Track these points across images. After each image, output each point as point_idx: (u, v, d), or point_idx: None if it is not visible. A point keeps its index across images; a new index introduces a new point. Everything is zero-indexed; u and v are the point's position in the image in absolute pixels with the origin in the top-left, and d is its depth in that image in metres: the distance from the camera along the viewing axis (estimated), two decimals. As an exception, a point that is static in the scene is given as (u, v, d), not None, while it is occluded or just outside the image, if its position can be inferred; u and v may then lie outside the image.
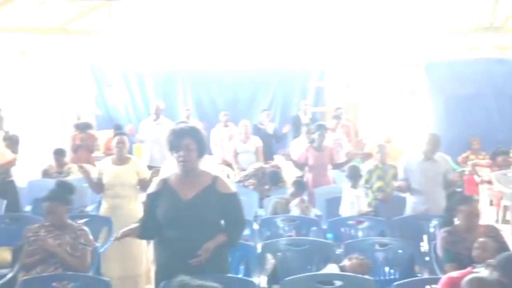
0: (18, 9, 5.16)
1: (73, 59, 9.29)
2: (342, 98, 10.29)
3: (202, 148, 2.98)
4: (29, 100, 8.35)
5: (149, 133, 7.51)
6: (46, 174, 7.05)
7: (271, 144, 8.16)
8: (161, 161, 6.08)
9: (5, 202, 5.32)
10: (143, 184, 4.77)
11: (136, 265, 4.77)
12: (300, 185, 5.30)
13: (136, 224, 3.10)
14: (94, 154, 8.10)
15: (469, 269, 2.88)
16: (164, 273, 2.95)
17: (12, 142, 5.79)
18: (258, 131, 8.13)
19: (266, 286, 3.45)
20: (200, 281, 1.73)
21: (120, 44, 9.16)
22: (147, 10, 8.06)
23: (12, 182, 5.76)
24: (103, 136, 9.19)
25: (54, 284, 3.07)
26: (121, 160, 4.84)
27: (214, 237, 2.88)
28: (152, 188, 3.06)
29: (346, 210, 5.13)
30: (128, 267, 4.69)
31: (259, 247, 4.02)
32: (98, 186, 4.83)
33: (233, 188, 3.09)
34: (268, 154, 7.69)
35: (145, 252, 4.94)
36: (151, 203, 3.01)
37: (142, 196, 5.29)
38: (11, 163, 5.68)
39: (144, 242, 4.87)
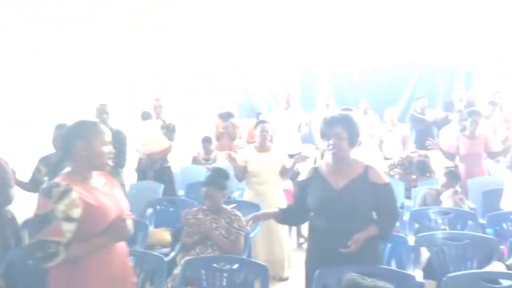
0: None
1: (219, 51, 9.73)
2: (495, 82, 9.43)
3: (354, 136, 2.91)
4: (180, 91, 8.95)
5: (279, 122, 7.61)
6: (195, 160, 7.52)
7: (432, 132, 7.67)
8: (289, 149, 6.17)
9: (162, 186, 5.75)
10: (283, 171, 4.89)
11: (282, 250, 4.90)
12: (453, 176, 4.98)
13: (276, 209, 3.17)
14: (236, 142, 8.42)
15: None
16: (314, 260, 2.97)
17: (168, 131, 6.22)
18: (415, 120, 7.76)
19: (422, 281, 3.29)
20: (372, 281, 1.67)
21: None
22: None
23: (169, 168, 6.23)
24: (245, 125, 9.53)
25: (214, 265, 3.22)
26: (264, 147, 4.99)
27: (364, 227, 2.82)
28: (303, 176, 3.08)
29: (509, 203, 4.71)
30: (274, 251, 4.83)
31: (410, 240, 3.85)
32: (242, 173, 5.02)
33: (386, 178, 2.99)
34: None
35: (287, 238, 5.05)
36: (301, 191, 3.04)
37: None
38: (168, 150, 6.14)
39: (287, 228, 4.99)
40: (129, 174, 6.16)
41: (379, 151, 6.98)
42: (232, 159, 5.04)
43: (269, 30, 6.83)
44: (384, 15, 7.50)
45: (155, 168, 6.19)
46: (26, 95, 4.47)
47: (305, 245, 5.73)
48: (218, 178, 3.94)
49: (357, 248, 2.75)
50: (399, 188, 5.56)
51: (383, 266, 2.98)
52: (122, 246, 2.50)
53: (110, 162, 2.44)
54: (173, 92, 7.15)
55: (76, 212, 2.25)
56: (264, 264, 3.16)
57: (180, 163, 7.21)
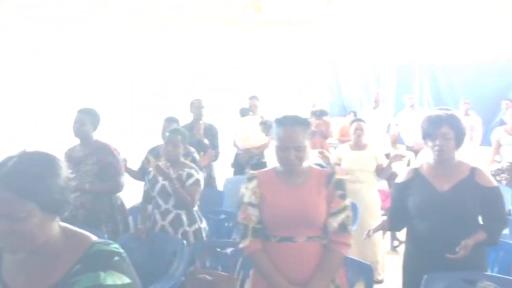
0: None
1: (313, 49, 9.69)
2: None
3: (461, 137, 2.79)
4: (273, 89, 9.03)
5: (368, 121, 7.41)
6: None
7: None
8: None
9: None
10: (379, 171, 4.80)
11: (375, 252, 4.80)
12: None
13: (384, 218, 3.09)
14: (328, 141, 8.36)
15: None
16: (414, 265, 2.87)
17: (266, 127, 6.31)
18: None
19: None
20: None
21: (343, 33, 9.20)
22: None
23: (265, 163, 6.29)
24: (336, 123, 9.44)
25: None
26: (359, 146, 4.93)
27: (469, 232, 2.68)
28: (402, 177, 2.98)
29: None
30: (367, 253, 4.73)
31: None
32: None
33: (494, 181, 2.83)
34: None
35: (381, 241, 4.94)
36: (400, 193, 2.93)
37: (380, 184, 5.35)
38: (265, 145, 6.23)
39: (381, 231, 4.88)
40: (225, 168, 6.33)
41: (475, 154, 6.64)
42: (324, 157, 5.01)
43: (364, 23, 6.64)
44: (489, 4, 7.05)
45: (252, 163, 6.31)
46: (26, 95, 4.53)
47: (399, 249, 5.61)
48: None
49: (465, 254, 2.62)
50: (506, 195, 5.23)
51: (493, 274, 2.81)
52: None
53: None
54: (201, 91, 7.14)
55: (255, 199, 2.40)
56: (368, 263, 3.10)
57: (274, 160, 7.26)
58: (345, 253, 2.43)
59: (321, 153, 5.12)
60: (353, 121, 5.26)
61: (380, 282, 4.77)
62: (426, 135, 2.83)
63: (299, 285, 2.36)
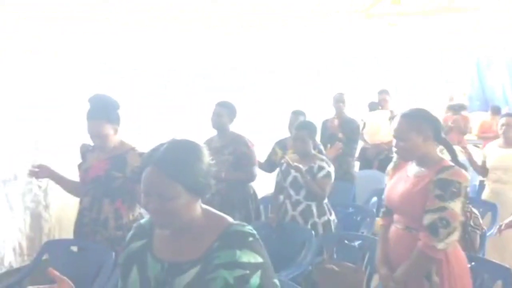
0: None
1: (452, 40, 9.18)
2: None
3: None
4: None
5: None
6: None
7: None
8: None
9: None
10: None
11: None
12: None
13: None
14: (467, 137, 7.89)
15: None
16: None
17: None
18: None
19: None
20: None
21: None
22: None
23: (392, 158, 6.18)
24: (476, 118, 8.87)
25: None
26: (508, 143, 4.60)
27: None
28: None
29: None
30: (506, 257, 4.41)
31: None
32: (481, 169, 4.72)
33: None
34: None
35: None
36: None
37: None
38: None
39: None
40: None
41: None
42: (467, 153, 4.78)
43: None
44: None
45: (380, 158, 6.21)
46: (26, 94, 4.56)
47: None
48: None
49: None
50: None
51: None
52: None
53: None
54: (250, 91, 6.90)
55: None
56: (508, 266, 2.92)
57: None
58: (431, 254, 2.28)
59: (464, 148, 4.90)
60: (502, 116, 4.93)
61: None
62: None
63: (391, 268, 2.44)
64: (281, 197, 3.91)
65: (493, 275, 2.89)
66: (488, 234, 4.02)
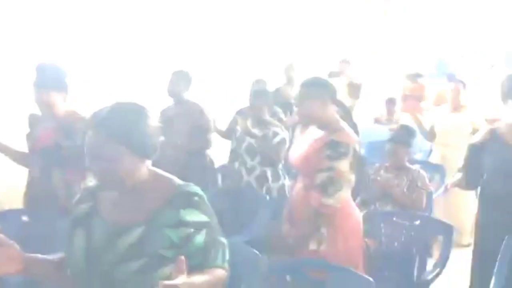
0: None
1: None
2: None
3: None
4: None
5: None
6: (377, 121, 7.46)
7: None
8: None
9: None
10: None
11: (463, 216, 4.69)
12: None
13: (460, 174, 3.03)
14: (423, 104, 8.08)
15: None
16: (488, 226, 2.81)
17: (353, 88, 6.31)
18: None
19: None
20: None
21: None
22: None
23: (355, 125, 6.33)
24: (434, 86, 9.07)
25: (395, 219, 3.24)
26: (456, 108, 4.81)
27: None
28: (477, 138, 2.90)
29: None
30: (452, 215, 4.63)
31: None
32: (429, 135, 4.93)
33: None
34: None
35: (470, 205, 4.79)
36: (476, 153, 2.86)
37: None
38: (351, 108, 6.24)
39: (471, 194, 4.73)
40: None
41: None
42: (417, 120, 4.95)
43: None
44: None
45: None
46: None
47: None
48: (404, 135, 3.89)
49: None
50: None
51: None
52: None
53: None
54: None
55: None
56: (450, 224, 3.08)
57: (362, 123, 7.21)
58: (322, 210, 2.45)
59: (413, 115, 5.07)
60: (449, 82, 5.15)
61: (466, 246, 4.66)
62: (506, 95, 2.75)
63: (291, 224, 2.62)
64: (236, 164, 3.98)
65: (436, 231, 3.06)
66: (435, 194, 4.21)
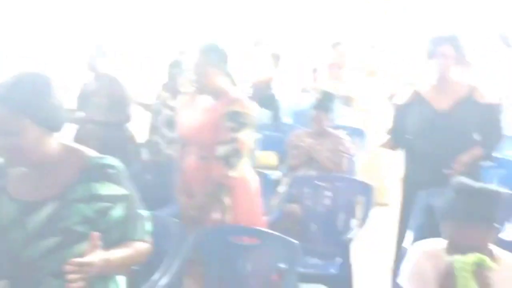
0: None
1: None
2: None
3: (461, 56, 2.80)
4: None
5: None
6: (304, 90, 7.58)
7: None
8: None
9: (269, 113, 5.93)
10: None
11: (383, 176, 4.93)
12: None
13: (388, 136, 3.15)
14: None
15: None
16: (413, 183, 2.95)
17: (274, 58, 6.35)
18: None
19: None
20: (481, 184, 1.67)
21: None
22: None
23: (273, 95, 6.39)
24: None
25: (317, 182, 3.32)
26: (371, 73, 5.00)
27: (467, 149, 2.75)
28: (402, 99, 3.01)
29: None
30: (376, 177, 4.83)
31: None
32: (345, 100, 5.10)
33: (493, 98, 2.85)
34: None
35: (391, 166, 5.02)
36: (401, 114, 2.98)
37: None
38: (271, 78, 6.29)
39: (391, 155, 4.95)
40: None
41: None
42: (336, 87, 5.10)
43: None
44: None
45: (261, 95, 6.35)
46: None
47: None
48: (324, 101, 3.96)
49: (461, 169, 2.69)
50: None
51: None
52: None
53: None
54: None
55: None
56: (369, 183, 3.20)
57: (288, 91, 7.33)
58: (225, 182, 2.47)
59: (332, 82, 5.20)
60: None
61: (385, 205, 4.88)
62: (428, 55, 2.84)
63: (190, 196, 2.55)
64: (155, 137, 3.91)
65: (357, 191, 3.17)
66: (355, 157, 4.36)
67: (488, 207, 1.64)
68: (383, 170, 4.95)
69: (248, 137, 2.45)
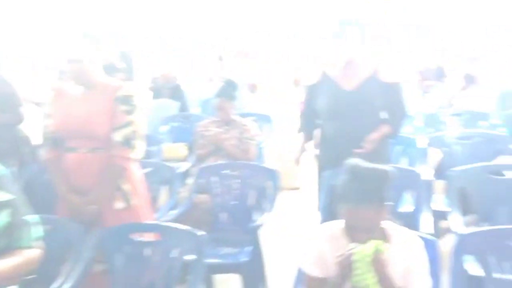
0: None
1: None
2: None
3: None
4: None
5: None
6: (211, 80, 7.55)
7: None
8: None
9: (178, 104, 5.82)
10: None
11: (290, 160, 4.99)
12: (469, 79, 4.92)
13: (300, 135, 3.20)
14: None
15: None
16: (326, 164, 3.00)
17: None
18: None
19: (432, 178, 3.34)
20: (372, 164, 1.72)
21: None
22: None
23: (179, 86, 6.29)
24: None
25: (225, 171, 3.30)
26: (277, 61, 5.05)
27: (375, 127, 2.84)
28: (311, 81, 3.07)
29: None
30: (285, 162, 4.91)
31: (422, 142, 3.87)
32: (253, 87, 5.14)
33: (396, 77, 2.98)
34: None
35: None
36: (311, 95, 3.04)
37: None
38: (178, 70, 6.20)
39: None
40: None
41: None
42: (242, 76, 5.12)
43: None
44: None
45: (169, 87, 6.24)
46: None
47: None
48: (228, 89, 3.95)
49: (371, 148, 2.78)
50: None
51: (393, 164, 3.00)
52: None
53: None
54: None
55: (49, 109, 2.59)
56: (273, 168, 3.23)
57: (197, 81, 7.27)
58: (125, 166, 2.43)
59: (239, 71, 5.21)
60: None
61: (296, 188, 4.99)
62: (333, 36, 2.93)
63: (82, 193, 2.41)
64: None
65: (264, 177, 3.19)
66: (263, 143, 4.41)
67: (378, 187, 1.68)
68: (292, 154, 5.03)
69: (141, 119, 2.47)
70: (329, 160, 2.95)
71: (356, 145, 2.76)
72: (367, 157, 2.72)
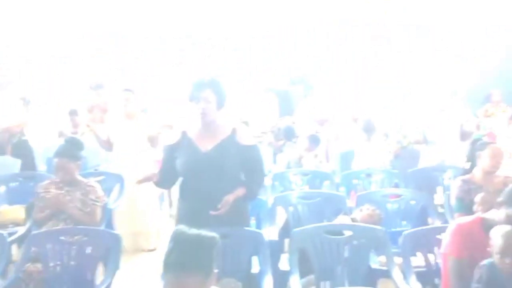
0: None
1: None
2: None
3: (222, 100, 2.95)
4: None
5: None
6: (61, 135, 7.12)
7: None
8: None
9: (19, 161, 5.37)
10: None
11: (146, 221, 4.85)
12: (314, 140, 5.22)
13: (157, 170, 3.12)
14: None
15: (477, 215, 2.76)
16: (184, 223, 2.94)
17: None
18: None
19: (277, 239, 3.42)
20: (197, 231, 1.67)
21: None
22: None
23: (26, 141, 5.82)
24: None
25: (62, 238, 3.06)
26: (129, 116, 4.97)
27: (233, 189, 2.87)
28: (171, 140, 3.05)
29: (360, 163, 5.05)
30: (137, 223, 4.75)
31: (270, 201, 3.98)
32: (108, 145, 4.95)
33: (253, 139, 3.06)
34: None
35: (155, 210, 5.01)
36: (169, 154, 3.01)
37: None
38: (25, 123, 5.75)
39: (154, 199, 4.96)
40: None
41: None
42: (93, 130, 4.93)
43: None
44: None
45: (13, 142, 5.77)
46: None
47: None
48: (70, 148, 3.72)
49: (226, 210, 2.79)
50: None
51: (239, 227, 3.01)
52: None
53: None
54: None
55: None
56: (115, 232, 3.07)
57: (46, 138, 6.82)
58: None
59: (88, 126, 5.07)
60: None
61: (152, 250, 4.81)
62: (191, 98, 2.93)
63: None
64: None
65: (105, 241, 3.00)
66: (113, 205, 4.21)
67: (202, 255, 1.64)
68: (147, 214, 4.87)
69: None
70: (186, 218, 2.88)
71: (212, 206, 2.77)
72: (225, 218, 2.78)
